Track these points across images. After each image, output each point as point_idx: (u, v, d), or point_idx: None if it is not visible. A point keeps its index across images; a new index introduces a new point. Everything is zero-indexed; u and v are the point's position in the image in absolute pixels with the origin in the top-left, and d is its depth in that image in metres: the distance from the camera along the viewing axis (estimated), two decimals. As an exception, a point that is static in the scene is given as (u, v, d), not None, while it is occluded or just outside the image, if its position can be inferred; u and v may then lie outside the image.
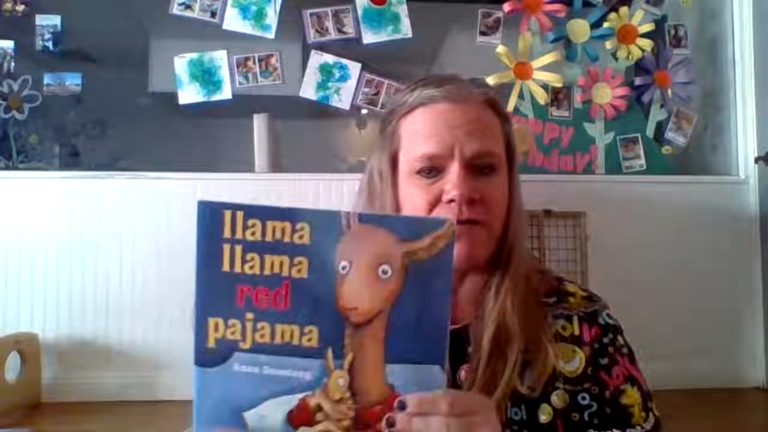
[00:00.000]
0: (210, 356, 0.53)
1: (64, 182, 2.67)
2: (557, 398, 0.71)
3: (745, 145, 2.95)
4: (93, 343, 2.60)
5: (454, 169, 0.70)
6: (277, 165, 2.82)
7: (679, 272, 2.80)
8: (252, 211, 0.52)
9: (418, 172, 0.72)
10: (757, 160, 2.86)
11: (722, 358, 2.81)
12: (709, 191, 2.90)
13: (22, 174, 2.75)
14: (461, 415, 0.52)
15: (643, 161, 2.96)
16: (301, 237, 0.52)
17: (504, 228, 0.74)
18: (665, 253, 2.80)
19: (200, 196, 2.68)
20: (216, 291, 0.52)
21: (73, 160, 3.02)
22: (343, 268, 0.52)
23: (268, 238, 0.52)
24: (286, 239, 0.52)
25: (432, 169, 0.71)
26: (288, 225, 0.52)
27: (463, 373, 0.72)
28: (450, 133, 0.71)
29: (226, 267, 0.52)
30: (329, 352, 0.52)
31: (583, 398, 0.71)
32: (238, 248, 0.52)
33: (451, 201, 0.70)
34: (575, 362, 0.72)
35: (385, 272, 0.52)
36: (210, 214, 0.52)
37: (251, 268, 0.52)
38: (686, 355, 2.76)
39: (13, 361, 2.39)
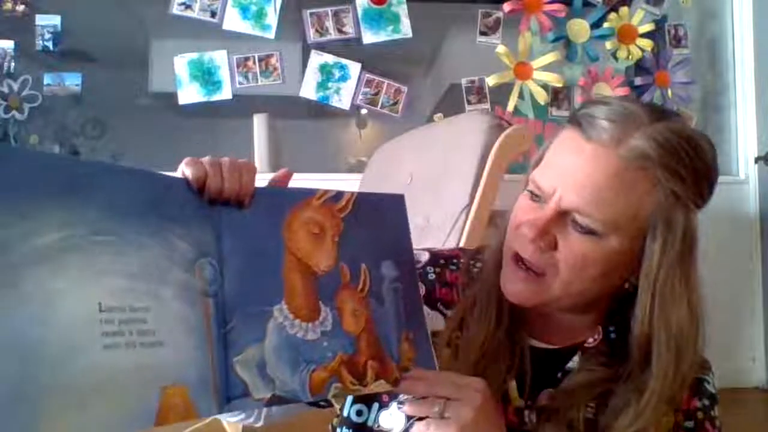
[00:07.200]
0: None
1: (64, 182, 2.67)
2: None
3: (745, 145, 2.95)
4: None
5: (547, 209, 0.65)
6: (277, 165, 2.82)
7: (679, 272, 2.79)
8: None
9: (529, 189, 0.68)
10: (757, 160, 2.86)
11: (722, 358, 2.79)
12: (709, 191, 2.90)
13: (22, 174, 2.74)
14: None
15: (643, 161, 2.95)
16: None
17: (603, 300, 0.73)
18: (665, 253, 2.79)
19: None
20: None
21: (73, 160, 3.01)
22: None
23: None
24: None
25: (539, 195, 0.67)
26: None
27: (544, 397, 0.70)
28: (561, 176, 0.65)
29: None
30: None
31: None
32: None
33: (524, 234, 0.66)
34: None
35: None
36: None
37: None
38: (686, 355, 2.76)
39: (13, 361, 2.38)
